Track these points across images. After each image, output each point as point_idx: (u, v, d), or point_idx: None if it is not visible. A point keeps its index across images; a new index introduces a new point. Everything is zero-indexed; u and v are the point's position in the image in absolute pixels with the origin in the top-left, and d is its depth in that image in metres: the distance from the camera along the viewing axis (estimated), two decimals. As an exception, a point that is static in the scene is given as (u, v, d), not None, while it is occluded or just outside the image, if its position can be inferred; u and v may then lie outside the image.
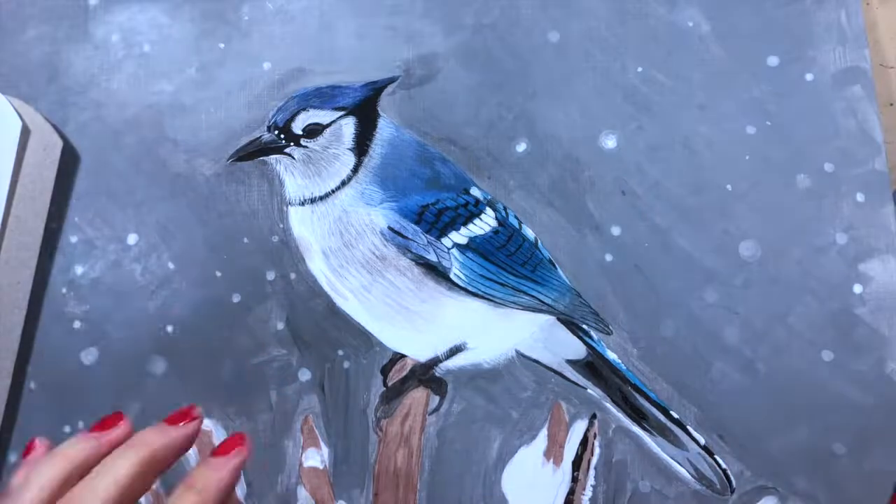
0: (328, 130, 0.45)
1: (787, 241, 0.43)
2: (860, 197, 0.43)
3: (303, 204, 0.44)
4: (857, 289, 0.42)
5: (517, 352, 0.43)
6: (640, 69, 0.45)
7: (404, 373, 0.43)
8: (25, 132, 0.43)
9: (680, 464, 0.42)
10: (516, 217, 0.44)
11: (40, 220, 0.43)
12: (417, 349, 0.43)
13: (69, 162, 0.45)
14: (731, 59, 0.45)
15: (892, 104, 0.45)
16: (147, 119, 0.45)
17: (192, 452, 0.42)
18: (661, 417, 0.42)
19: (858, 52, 0.44)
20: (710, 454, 0.41)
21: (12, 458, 0.42)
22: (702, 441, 0.41)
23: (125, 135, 0.45)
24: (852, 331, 0.42)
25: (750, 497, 0.41)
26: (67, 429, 0.42)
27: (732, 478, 0.41)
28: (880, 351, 0.41)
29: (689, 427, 0.42)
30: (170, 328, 0.43)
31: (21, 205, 0.43)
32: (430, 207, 0.44)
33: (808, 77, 0.44)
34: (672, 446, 0.42)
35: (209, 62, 0.46)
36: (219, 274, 0.44)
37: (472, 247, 0.43)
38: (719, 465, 0.41)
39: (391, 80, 0.45)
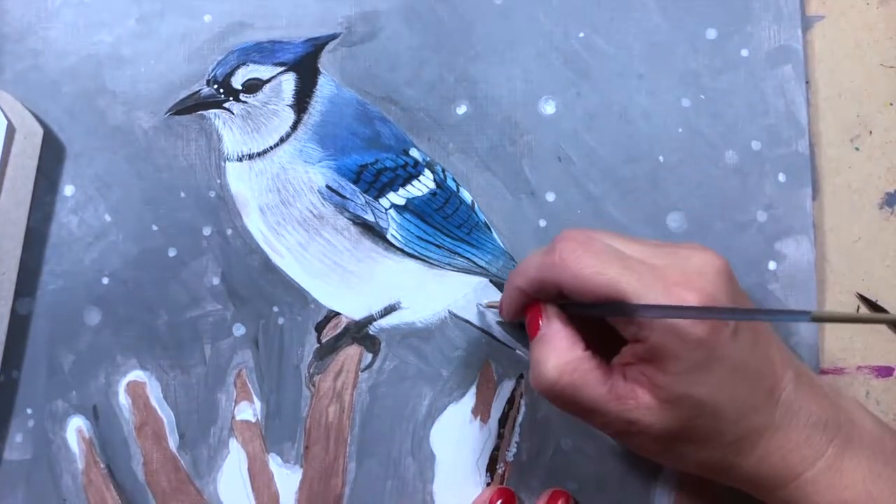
0: (268, 86, 0.45)
1: (711, 216, 0.44)
2: (782, 177, 0.44)
3: (241, 160, 0.44)
4: (772, 265, 0.44)
5: (450, 312, 0.44)
6: (581, 35, 0.45)
7: (338, 330, 0.44)
8: (11, 130, 0.42)
9: (600, 424, 0.43)
10: (454, 180, 0.45)
11: (23, 210, 0.43)
12: (352, 307, 0.44)
13: (50, 149, 0.44)
14: (671, 28, 0.45)
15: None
16: (86, 69, 0.45)
17: (127, 403, 0.43)
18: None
19: (792, 31, 0.45)
20: (629, 416, 0.43)
21: (-54, 404, 0.43)
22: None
23: (63, 84, 0.45)
24: (764, 304, 0.43)
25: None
26: (2, 378, 0.42)
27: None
28: (787, 325, 0.43)
29: (610, 390, 0.43)
30: (105, 280, 0.44)
31: (4, 197, 0.42)
32: (368, 167, 0.44)
33: (744, 53, 0.45)
34: (594, 407, 0.43)
35: (149, 13, 0.45)
36: (155, 228, 0.44)
37: (410, 208, 0.44)
38: (637, 427, 0.43)
39: (332, 37, 0.45)
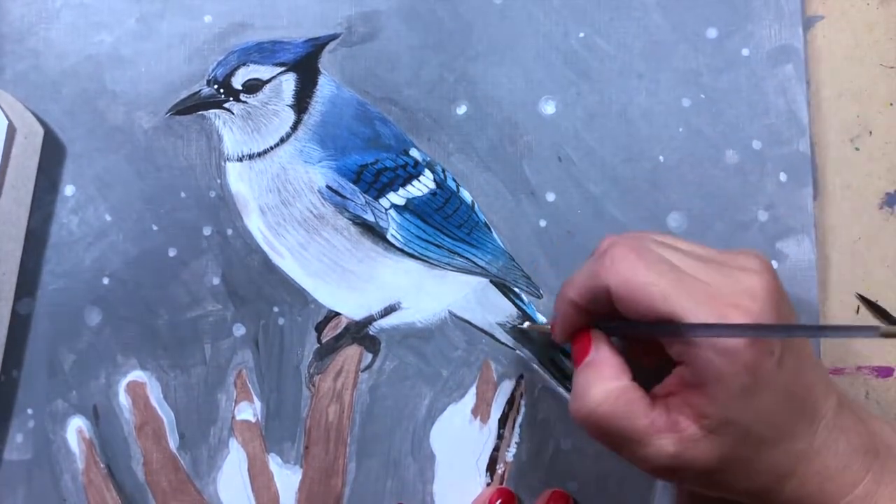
0: (268, 86, 0.45)
1: (712, 216, 0.44)
2: (783, 176, 0.44)
3: (241, 160, 0.44)
4: (774, 265, 0.43)
5: (450, 312, 0.44)
6: (581, 34, 0.45)
7: (338, 330, 0.44)
8: (11, 130, 0.42)
9: (600, 424, 0.43)
10: (454, 180, 0.45)
11: (24, 210, 0.43)
12: (352, 307, 0.44)
13: (51, 150, 0.44)
14: (671, 28, 0.45)
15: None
16: (86, 70, 0.45)
17: (127, 403, 0.43)
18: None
19: (793, 30, 0.45)
20: (629, 416, 0.43)
21: (-54, 404, 0.43)
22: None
23: (63, 85, 0.45)
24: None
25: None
26: (2, 378, 0.42)
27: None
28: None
29: (610, 390, 0.43)
30: (106, 280, 0.44)
31: (5, 197, 0.42)
32: (369, 167, 0.44)
33: (745, 52, 0.45)
34: (594, 408, 0.43)
35: (149, 13, 0.45)
36: (155, 228, 0.44)
37: (410, 208, 0.44)
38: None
39: (333, 37, 0.45)
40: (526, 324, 0.44)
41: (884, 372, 0.44)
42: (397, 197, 0.44)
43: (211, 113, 0.45)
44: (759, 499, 0.34)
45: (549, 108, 0.45)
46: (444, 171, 0.45)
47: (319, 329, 0.44)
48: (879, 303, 0.44)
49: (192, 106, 0.45)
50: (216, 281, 0.44)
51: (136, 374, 0.43)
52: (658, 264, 0.33)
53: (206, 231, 0.44)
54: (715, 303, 0.31)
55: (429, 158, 0.45)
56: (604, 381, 0.34)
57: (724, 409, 0.32)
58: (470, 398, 0.44)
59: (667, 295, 0.32)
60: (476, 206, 0.45)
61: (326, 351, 0.44)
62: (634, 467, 0.42)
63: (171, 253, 0.44)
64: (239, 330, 0.44)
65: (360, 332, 0.44)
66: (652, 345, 0.36)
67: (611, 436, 0.33)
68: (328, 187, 0.44)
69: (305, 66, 0.45)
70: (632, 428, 0.33)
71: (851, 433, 0.34)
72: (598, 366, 0.35)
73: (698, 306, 0.31)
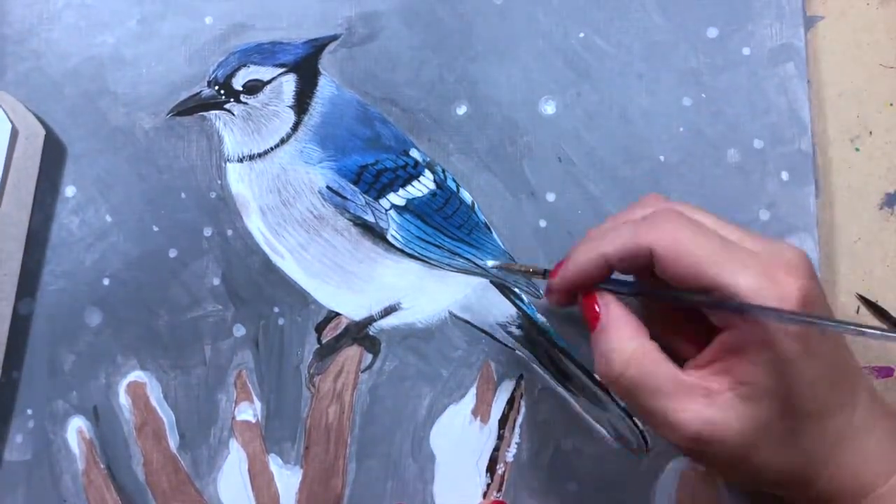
0: (268, 87, 0.45)
1: (713, 215, 0.44)
2: (785, 175, 0.44)
3: (241, 161, 0.45)
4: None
5: (450, 312, 0.44)
6: (581, 34, 0.45)
7: (339, 331, 0.44)
8: (14, 132, 0.43)
9: (601, 424, 0.43)
10: (454, 180, 0.45)
11: (25, 211, 0.43)
12: (352, 308, 0.44)
13: (52, 150, 0.44)
14: (671, 28, 0.45)
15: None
16: (87, 71, 0.45)
17: (127, 403, 0.43)
18: (586, 379, 0.43)
19: (794, 29, 0.45)
20: (629, 415, 0.43)
21: (-53, 404, 0.43)
22: (622, 403, 0.43)
23: (65, 86, 0.45)
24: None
25: (664, 457, 0.42)
26: (2, 379, 0.42)
27: (649, 438, 0.43)
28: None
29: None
30: (106, 281, 0.44)
31: (7, 198, 0.43)
32: (369, 168, 0.44)
33: (746, 51, 0.45)
34: (594, 407, 0.43)
35: (150, 15, 0.45)
36: (156, 228, 0.44)
37: (410, 208, 0.44)
38: (637, 426, 0.43)
39: (333, 38, 0.45)
40: (490, 262, 0.43)
41: (884, 372, 0.44)
42: (397, 197, 0.44)
43: (211, 114, 0.45)
44: (790, 488, 0.33)
45: (549, 108, 0.45)
46: (444, 171, 0.45)
47: (319, 329, 0.44)
48: (879, 303, 0.44)
49: (193, 107, 0.45)
50: (216, 281, 0.44)
51: (137, 375, 0.43)
52: (704, 232, 0.32)
53: (207, 232, 0.44)
54: (765, 269, 0.31)
55: (429, 159, 0.45)
56: (623, 342, 0.33)
57: (766, 376, 0.31)
58: (470, 398, 0.44)
59: (715, 259, 0.31)
60: (476, 206, 0.45)
61: (326, 351, 0.44)
62: (635, 468, 0.42)
63: (172, 254, 0.44)
64: (239, 330, 0.44)
65: (360, 333, 0.44)
66: (673, 316, 0.35)
67: (644, 397, 0.32)
68: (328, 188, 0.44)
69: (306, 67, 0.45)
70: (664, 385, 0.32)
71: (887, 420, 0.33)
72: (615, 326, 0.34)
73: (746, 270, 0.31)
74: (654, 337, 0.34)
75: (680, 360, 0.34)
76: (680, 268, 0.32)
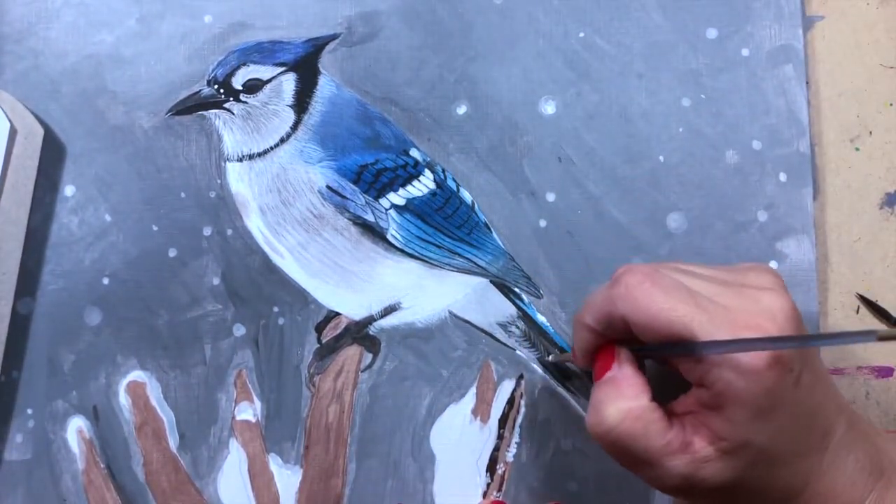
0: (268, 86, 0.45)
1: (712, 216, 0.44)
2: (783, 177, 0.44)
3: (241, 160, 0.44)
4: (773, 265, 0.44)
5: (450, 312, 0.44)
6: (581, 34, 0.45)
7: (338, 330, 0.44)
8: (13, 132, 0.42)
9: (600, 425, 0.43)
10: (454, 180, 0.45)
11: (24, 210, 0.43)
12: (352, 308, 0.44)
13: (51, 150, 0.44)
14: (671, 28, 0.45)
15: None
16: (86, 70, 0.45)
17: (127, 403, 0.43)
18: (586, 379, 0.43)
19: (793, 30, 0.45)
20: (629, 416, 0.43)
21: (-54, 404, 0.43)
22: (622, 403, 0.43)
23: (63, 85, 0.45)
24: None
25: (664, 458, 0.43)
26: (2, 378, 0.42)
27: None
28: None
29: (610, 390, 0.43)
30: (106, 280, 0.44)
31: (6, 197, 0.42)
32: (369, 167, 0.44)
33: (745, 52, 0.45)
34: (594, 408, 0.43)
35: (149, 13, 0.45)
36: (155, 228, 0.44)
37: (410, 208, 0.44)
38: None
39: (333, 38, 0.45)
40: (550, 357, 0.43)
41: (884, 372, 0.44)
42: (397, 197, 0.44)
43: (211, 113, 0.45)
44: None
45: (549, 108, 0.45)
46: (444, 171, 0.45)
47: (319, 329, 0.44)
48: (879, 303, 0.44)
49: (192, 106, 0.45)
50: (216, 281, 0.44)
51: (137, 375, 0.43)
52: (674, 289, 0.33)
53: (206, 231, 0.44)
54: (734, 325, 0.31)
55: (429, 158, 0.45)
56: (624, 399, 0.33)
57: (741, 432, 0.32)
58: (470, 398, 0.44)
59: (685, 320, 0.32)
60: (476, 206, 0.45)
61: (326, 351, 0.44)
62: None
63: (172, 253, 0.44)
64: (239, 330, 0.44)
65: (360, 333, 0.44)
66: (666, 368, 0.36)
67: (626, 455, 0.33)
68: (328, 187, 0.44)
69: (305, 67, 0.45)
70: (647, 449, 0.33)
71: (859, 451, 0.34)
72: (619, 383, 0.34)
73: (717, 329, 0.31)
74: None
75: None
76: (652, 332, 0.33)
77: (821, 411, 0.33)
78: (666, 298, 0.32)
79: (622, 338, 0.35)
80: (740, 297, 0.33)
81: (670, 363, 0.35)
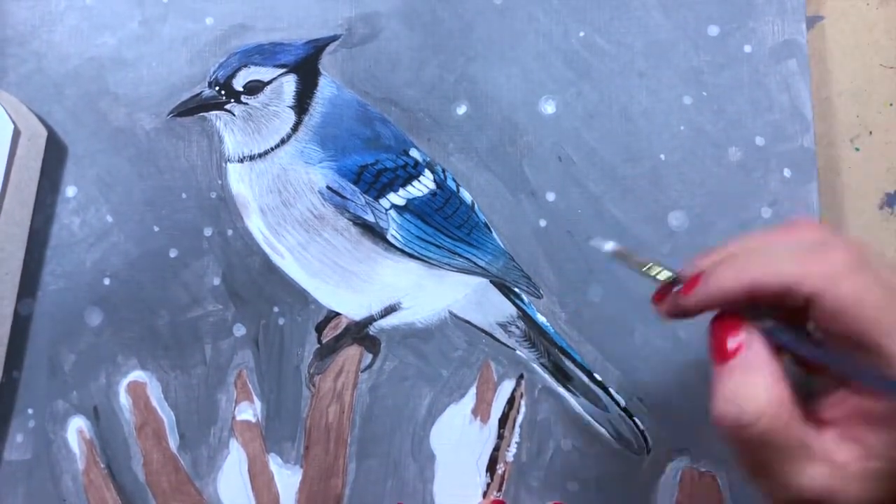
0: (269, 88, 0.45)
1: (714, 213, 0.44)
2: (787, 173, 0.44)
3: (242, 161, 0.45)
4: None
5: (450, 312, 0.44)
6: (581, 34, 0.45)
7: (339, 331, 0.44)
8: (16, 133, 0.43)
9: (601, 424, 0.43)
10: (454, 180, 0.45)
11: (27, 211, 0.44)
12: (352, 308, 0.44)
13: (53, 151, 0.45)
14: (672, 26, 0.45)
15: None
16: (88, 72, 0.45)
17: (127, 403, 0.43)
18: (585, 379, 0.43)
19: (796, 25, 0.45)
20: (630, 416, 0.43)
21: (-52, 404, 0.43)
22: (622, 403, 0.43)
23: (66, 87, 0.45)
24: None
25: (664, 457, 0.42)
26: (3, 378, 0.43)
27: (649, 438, 0.42)
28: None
29: (611, 389, 0.43)
30: (107, 281, 0.44)
31: (9, 198, 0.43)
32: (369, 168, 0.44)
33: (747, 49, 0.45)
34: (594, 407, 0.43)
35: (151, 16, 0.45)
36: (156, 228, 0.44)
37: (410, 208, 0.44)
38: (638, 427, 0.43)
39: (333, 39, 0.45)
40: (610, 245, 0.35)
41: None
42: (397, 197, 0.44)
43: (212, 114, 0.45)
44: None
45: (549, 107, 0.45)
46: (444, 171, 0.45)
47: (320, 329, 0.44)
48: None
49: (194, 107, 0.45)
50: (217, 281, 0.44)
51: (137, 375, 0.43)
52: (884, 281, 0.27)
53: (207, 232, 0.44)
54: None
55: (429, 159, 0.45)
56: (762, 390, 0.27)
57: None
58: (470, 398, 0.44)
59: (886, 322, 0.26)
60: (476, 206, 0.45)
61: (327, 351, 0.44)
62: (635, 468, 0.42)
63: (172, 254, 0.44)
64: (239, 330, 0.44)
65: (360, 333, 0.44)
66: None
67: (759, 454, 0.28)
68: (328, 188, 0.44)
69: (306, 68, 0.45)
70: (791, 447, 0.27)
71: None
72: (757, 369, 0.28)
73: None
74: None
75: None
76: (840, 323, 0.27)
77: None
78: (874, 289, 0.26)
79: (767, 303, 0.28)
80: None
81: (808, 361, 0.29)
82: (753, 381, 0.27)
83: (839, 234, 0.29)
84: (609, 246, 0.35)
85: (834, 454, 0.27)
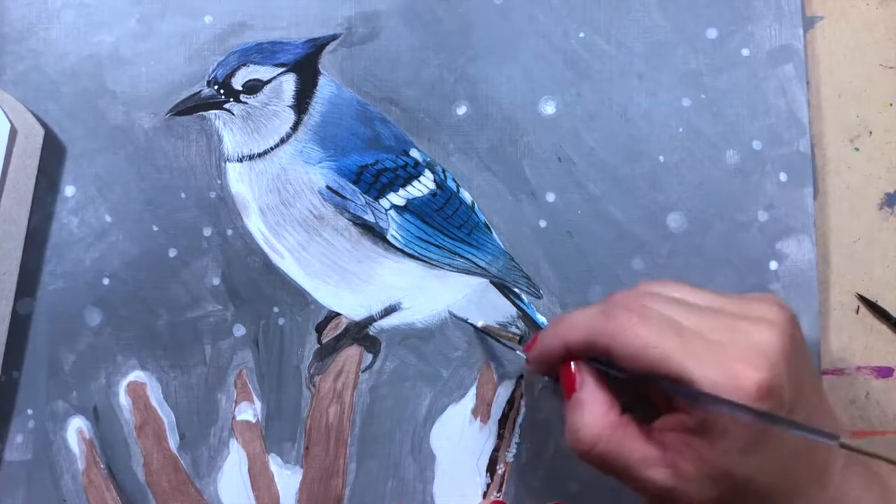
0: (268, 87, 0.45)
1: (712, 215, 0.44)
2: (783, 176, 0.44)
3: (241, 160, 0.44)
4: (773, 265, 0.44)
5: (450, 312, 0.44)
6: (581, 34, 0.45)
7: (339, 331, 0.44)
8: (13, 132, 0.43)
9: (600, 425, 0.43)
10: (454, 180, 0.45)
11: (24, 210, 0.43)
12: (352, 308, 0.44)
13: (51, 150, 0.44)
14: (671, 28, 0.45)
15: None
16: (86, 70, 0.45)
17: (127, 403, 0.43)
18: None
19: (793, 30, 0.45)
20: (629, 416, 0.43)
21: (-53, 404, 0.43)
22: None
23: (63, 85, 0.45)
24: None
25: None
26: (2, 379, 0.42)
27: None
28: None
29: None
30: (106, 280, 0.44)
31: (6, 197, 0.42)
32: (369, 168, 0.44)
33: (745, 52, 0.45)
34: (594, 408, 0.43)
35: (150, 14, 0.45)
36: (156, 228, 0.44)
37: (410, 208, 0.44)
38: (637, 427, 0.43)
39: (333, 38, 0.45)
40: (480, 323, 0.43)
41: (884, 372, 0.44)
42: (397, 197, 0.44)
43: (211, 113, 0.45)
44: None
45: (549, 108, 0.45)
46: (444, 171, 0.45)
47: (320, 329, 0.44)
48: (879, 303, 0.44)
49: (193, 106, 0.45)
50: (216, 281, 0.44)
51: (137, 375, 0.43)
52: (661, 326, 0.32)
53: (207, 231, 0.44)
54: (721, 362, 0.30)
55: (429, 159, 0.45)
56: (593, 420, 0.33)
57: (726, 460, 0.31)
58: (470, 398, 0.44)
59: (671, 357, 0.31)
60: (476, 206, 0.45)
61: (327, 351, 0.44)
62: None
63: (172, 253, 0.44)
64: (239, 330, 0.44)
65: (360, 333, 0.44)
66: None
67: (609, 470, 0.34)
68: (328, 188, 0.44)
69: (305, 67, 0.45)
70: (628, 463, 0.33)
71: (858, 491, 0.33)
72: (586, 404, 0.34)
73: (703, 367, 0.30)
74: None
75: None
76: (637, 367, 0.32)
77: (816, 450, 0.32)
78: (651, 334, 0.32)
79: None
80: (731, 332, 0.32)
81: (643, 387, 0.35)
82: (588, 413, 0.34)
83: (780, 303, 0.33)
84: (480, 324, 0.43)
85: (676, 460, 0.32)
